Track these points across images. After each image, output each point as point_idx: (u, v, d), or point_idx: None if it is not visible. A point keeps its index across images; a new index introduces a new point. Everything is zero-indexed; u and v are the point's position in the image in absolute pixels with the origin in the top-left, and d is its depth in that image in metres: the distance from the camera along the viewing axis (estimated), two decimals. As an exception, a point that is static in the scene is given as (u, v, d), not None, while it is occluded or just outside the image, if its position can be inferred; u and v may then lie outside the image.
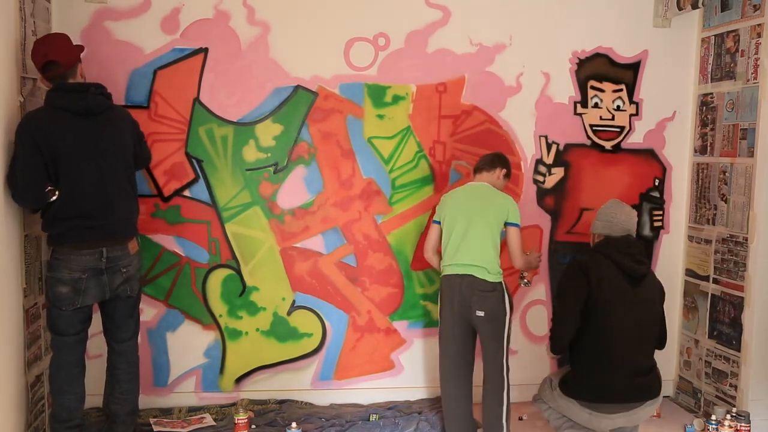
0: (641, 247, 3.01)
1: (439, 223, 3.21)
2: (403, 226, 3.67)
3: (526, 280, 3.34)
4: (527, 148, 3.73)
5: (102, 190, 2.79)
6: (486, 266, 3.03)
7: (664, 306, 3.01)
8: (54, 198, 2.71)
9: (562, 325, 2.90)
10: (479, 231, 3.05)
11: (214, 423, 3.37)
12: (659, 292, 2.98)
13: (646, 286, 2.91)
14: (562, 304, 2.95)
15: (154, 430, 3.28)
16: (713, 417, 3.29)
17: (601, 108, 3.78)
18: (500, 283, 3.08)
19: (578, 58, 3.73)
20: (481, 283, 3.03)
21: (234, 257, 3.55)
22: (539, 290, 3.82)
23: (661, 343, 3.01)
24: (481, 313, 3.02)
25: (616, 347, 2.82)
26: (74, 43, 2.88)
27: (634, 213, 3.02)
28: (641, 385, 2.85)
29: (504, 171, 3.22)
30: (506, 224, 3.08)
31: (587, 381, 2.86)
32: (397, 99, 3.59)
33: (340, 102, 3.56)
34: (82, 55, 2.91)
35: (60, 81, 2.77)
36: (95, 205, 2.77)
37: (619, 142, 3.81)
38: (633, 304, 2.84)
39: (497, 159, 3.23)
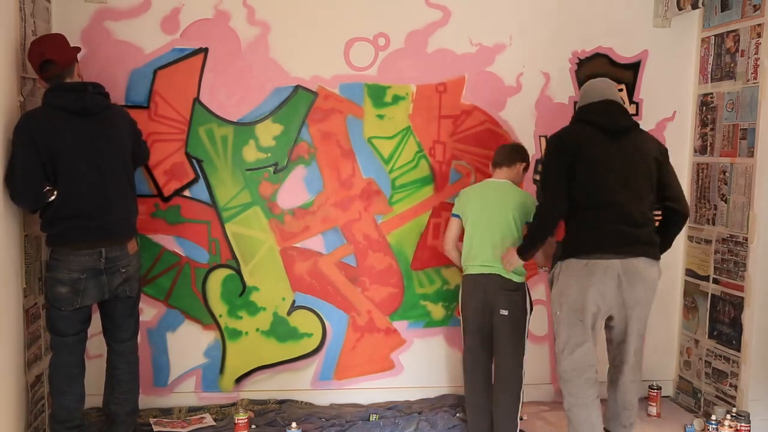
0: (624, 108, 2.95)
1: (458, 217, 3.22)
2: (403, 226, 3.67)
3: (545, 267, 3.41)
4: (527, 148, 3.71)
5: (100, 189, 2.78)
6: None
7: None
8: (53, 198, 2.71)
9: (554, 199, 2.85)
10: (504, 232, 3.08)
11: (214, 423, 3.37)
12: (654, 148, 2.91)
13: (634, 139, 2.87)
14: (547, 177, 2.90)
15: (154, 430, 3.28)
16: (713, 417, 3.29)
17: (601, 108, 3.78)
18: (524, 283, 3.13)
19: (578, 58, 3.72)
20: (507, 283, 3.07)
21: (234, 257, 3.55)
22: (539, 290, 3.81)
23: (678, 202, 2.90)
24: (504, 312, 3.05)
25: (605, 196, 2.79)
26: (72, 45, 2.88)
27: (613, 83, 3.02)
28: (633, 235, 2.80)
29: (524, 165, 3.24)
30: (526, 223, 3.11)
31: (580, 231, 2.84)
32: (397, 99, 3.59)
33: (340, 102, 3.55)
34: (79, 55, 2.91)
35: (57, 81, 2.76)
36: (93, 204, 2.77)
37: (619, 142, 3.81)
38: (617, 158, 2.81)
39: (515, 153, 3.23)
